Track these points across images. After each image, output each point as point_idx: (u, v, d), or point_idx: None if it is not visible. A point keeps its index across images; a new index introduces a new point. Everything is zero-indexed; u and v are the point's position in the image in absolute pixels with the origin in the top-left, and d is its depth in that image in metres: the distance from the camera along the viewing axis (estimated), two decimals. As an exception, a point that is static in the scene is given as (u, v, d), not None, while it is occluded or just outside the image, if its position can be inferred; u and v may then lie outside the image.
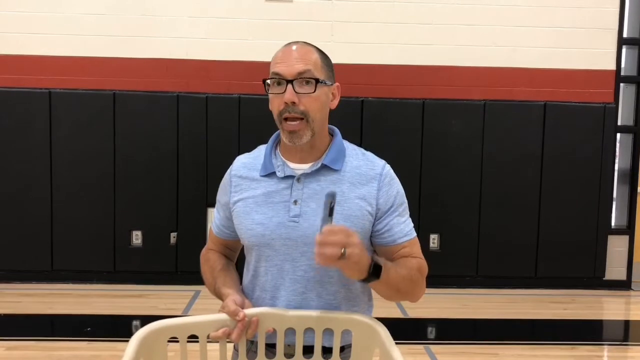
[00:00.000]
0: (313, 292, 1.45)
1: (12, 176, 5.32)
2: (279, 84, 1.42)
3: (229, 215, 1.56)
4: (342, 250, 1.22)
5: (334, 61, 1.54)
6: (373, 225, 1.47)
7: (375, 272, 1.31)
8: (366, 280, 1.31)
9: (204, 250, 1.68)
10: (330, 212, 1.25)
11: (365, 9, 5.44)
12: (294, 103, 1.40)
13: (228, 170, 1.59)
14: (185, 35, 5.39)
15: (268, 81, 1.45)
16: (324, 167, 1.49)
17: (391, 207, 1.48)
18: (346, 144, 1.55)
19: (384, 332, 1.35)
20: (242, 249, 1.65)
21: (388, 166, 1.53)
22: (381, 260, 1.34)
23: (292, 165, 1.50)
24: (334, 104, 1.52)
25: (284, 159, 1.51)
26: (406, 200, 1.53)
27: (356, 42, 5.43)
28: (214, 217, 1.64)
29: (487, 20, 5.49)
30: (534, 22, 5.51)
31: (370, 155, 1.55)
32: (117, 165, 5.37)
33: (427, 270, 1.49)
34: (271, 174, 1.50)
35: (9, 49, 5.33)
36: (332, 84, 1.49)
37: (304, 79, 1.41)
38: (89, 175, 5.36)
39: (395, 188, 1.50)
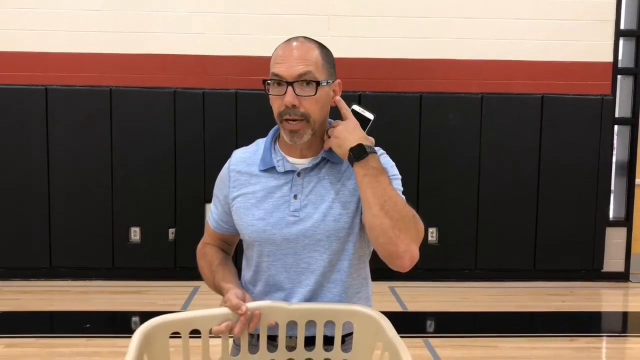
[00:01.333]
0: (316, 284, 1.46)
1: (9, 173, 5.31)
2: (279, 84, 1.41)
3: (227, 210, 1.56)
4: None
5: (331, 56, 1.53)
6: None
7: (358, 151, 1.37)
8: (353, 154, 1.38)
9: (200, 245, 1.67)
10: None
11: (362, 3, 5.42)
12: (294, 106, 1.39)
13: (226, 165, 1.58)
14: (182, 30, 5.37)
15: (268, 81, 1.43)
16: (324, 161, 1.49)
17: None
18: None
19: (386, 324, 1.35)
20: (240, 243, 1.65)
21: (385, 155, 1.52)
22: (375, 159, 1.38)
23: (292, 160, 1.50)
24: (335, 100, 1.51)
25: (283, 154, 1.51)
26: (399, 176, 1.49)
27: (353, 35, 5.42)
28: (211, 211, 1.63)
29: (484, 13, 5.48)
30: (531, 15, 5.50)
31: None
32: (115, 161, 5.36)
33: (422, 227, 1.39)
34: (271, 169, 1.50)
35: (5, 45, 5.31)
36: (333, 82, 1.48)
37: (305, 80, 1.40)
38: (86, 171, 5.35)
39: (385, 162, 1.47)
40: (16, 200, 5.32)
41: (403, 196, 1.41)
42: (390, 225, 1.31)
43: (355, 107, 1.48)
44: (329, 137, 1.44)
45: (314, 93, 1.40)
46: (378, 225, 1.33)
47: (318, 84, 1.40)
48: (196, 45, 5.37)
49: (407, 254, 1.32)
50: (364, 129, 1.44)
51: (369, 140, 1.41)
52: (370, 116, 1.47)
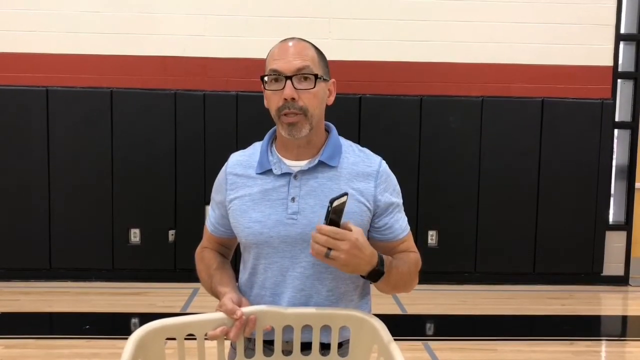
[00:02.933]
0: (312, 288, 1.46)
1: (10, 174, 5.32)
2: (276, 80, 1.42)
3: (224, 213, 1.56)
4: (327, 251, 1.28)
5: (331, 58, 1.54)
6: (372, 222, 1.49)
7: (375, 276, 1.37)
8: (365, 278, 1.39)
9: (198, 249, 1.67)
10: (326, 215, 1.28)
11: (362, 6, 5.43)
12: (293, 99, 1.40)
13: (223, 168, 1.58)
14: (183, 32, 5.38)
15: (265, 78, 1.44)
16: (321, 164, 1.49)
17: (390, 205, 1.50)
18: (342, 140, 1.56)
19: (382, 328, 1.35)
20: (238, 247, 1.65)
21: (384, 162, 1.54)
22: (386, 263, 1.39)
23: (288, 162, 1.50)
24: (331, 100, 1.53)
25: (280, 156, 1.51)
26: (401, 202, 1.56)
27: (354, 38, 5.42)
28: (209, 215, 1.63)
29: (484, 16, 5.49)
30: (532, 19, 5.50)
31: (366, 151, 1.56)
32: (115, 163, 5.36)
33: (421, 263, 1.55)
34: (267, 172, 1.50)
35: (6, 46, 5.31)
36: (328, 80, 1.50)
37: (303, 74, 1.41)
38: (86, 173, 5.35)
39: (392, 185, 1.53)
40: (16, 201, 5.33)
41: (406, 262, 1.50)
42: (399, 291, 1.52)
43: (334, 204, 1.29)
44: (333, 258, 1.30)
45: (312, 86, 1.42)
46: (388, 293, 1.51)
47: (316, 77, 1.42)
48: (197, 47, 5.38)
49: (410, 290, 1.54)
50: (343, 209, 1.32)
51: (374, 254, 1.35)
52: (345, 198, 1.31)
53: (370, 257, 1.34)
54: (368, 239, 1.48)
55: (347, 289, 1.50)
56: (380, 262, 1.37)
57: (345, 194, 1.30)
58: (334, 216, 1.28)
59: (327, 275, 1.46)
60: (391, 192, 1.51)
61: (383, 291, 1.47)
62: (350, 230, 1.30)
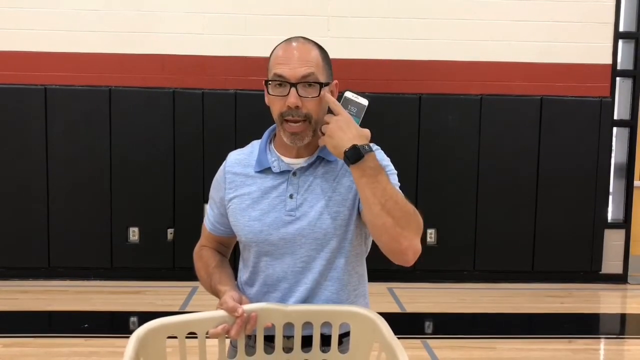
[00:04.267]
0: (313, 282, 1.46)
1: (8, 173, 5.31)
2: (280, 85, 1.42)
3: (223, 212, 1.56)
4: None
5: (330, 56, 1.53)
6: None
7: (352, 153, 1.32)
8: (345, 159, 1.34)
9: (197, 247, 1.67)
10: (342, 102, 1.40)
11: (361, 4, 5.42)
12: (297, 107, 1.40)
13: (221, 167, 1.58)
14: (181, 30, 5.37)
15: (269, 82, 1.43)
16: (319, 159, 1.49)
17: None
18: None
19: (383, 325, 1.35)
20: (236, 245, 1.65)
21: (380, 150, 1.50)
22: (372, 158, 1.33)
23: (287, 160, 1.50)
24: None
25: (278, 154, 1.51)
26: (395, 171, 1.51)
27: (352, 37, 5.42)
28: (208, 214, 1.64)
29: (483, 14, 5.48)
30: (530, 16, 5.50)
31: None
32: (114, 161, 5.35)
33: (421, 220, 1.39)
34: (266, 170, 1.50)
35: (4, 45, 5.30)
36: (331, 82, 1.49)
37: (308, 82, 1.40)
38: (85, 171, 5.34)
39: (385, 160, 1.49)
40: (15, 200, 5.32)
41: (401, 192, 1.40)
42: (392, 223, 1.31)
43: (349, 95, 1.41)
44: (323, 135, 1.38)
45: (317, 94, 1.41)
46: (380, 224, 1.32)
47: (321, 85, 1.41)
48: (196, 45, 5.37)
49: (410, 249, 1.33)
50: (359, 116, 1.40)
51: (364, 136, 1.35)
52: (365, 102, 1.40)
53: (356, 137, 1.33)
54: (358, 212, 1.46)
55: (348, 284, 1.50)
56: (366, 146, 1.33)
57: (367, 100, 1.40)
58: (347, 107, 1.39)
59: (328, 271, 1.47)
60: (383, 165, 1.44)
61: (374, 217, 1.33)
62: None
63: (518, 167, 5.54)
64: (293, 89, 1.39)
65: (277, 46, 1.47)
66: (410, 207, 1.35)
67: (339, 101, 1.40)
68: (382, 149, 1.56)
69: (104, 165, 5.34)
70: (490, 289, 5.43)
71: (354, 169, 1.33)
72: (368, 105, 1.41)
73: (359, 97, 1.40)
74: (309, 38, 1.49)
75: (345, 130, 1.34)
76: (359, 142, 1.33)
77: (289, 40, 1.47)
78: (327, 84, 1.45)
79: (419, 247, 1.35)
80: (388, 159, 1.53)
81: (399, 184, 1.47)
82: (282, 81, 1.41)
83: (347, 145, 1.33)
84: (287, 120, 1.42)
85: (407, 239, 1.32)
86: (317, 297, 1.47)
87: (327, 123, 1.36)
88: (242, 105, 5.31)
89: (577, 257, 5.63)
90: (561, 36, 5.51)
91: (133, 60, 5.35)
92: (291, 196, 1.46)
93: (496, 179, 5.52)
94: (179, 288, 5.10)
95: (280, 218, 1.45)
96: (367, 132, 1.38)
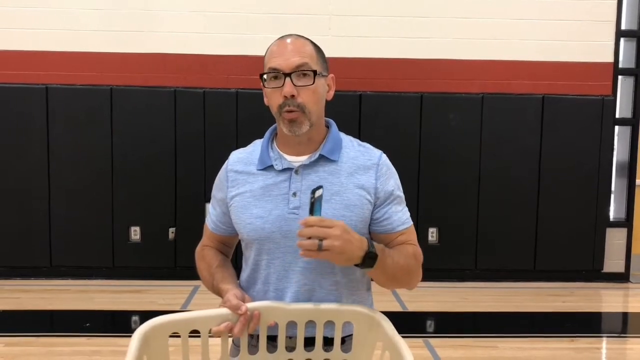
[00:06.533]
0: (315, 282, 1.46)
1: (10, 172, 5.31)
2: (275, 78, 1.44)
3: (225, 211, 1.56)
4: (319, 243, 1.26)
5: (331, 55, 1.55)
6: (372, 214, 1.49)
7: (369, 260, 1.34)
8: (360, 266, 1.36)
9: (199, 247, 1.67)
10: (311, 207, 1.28)
11: (362, 3, 5.42)
12: (293, 96, 1.41)
13: (224, 166, 1.59)
14: (183, 29, 5.37)
15: (265, 76, 1.46)
16: (322, 158, 1.49)
17: (390, 196, 1.50)
18: (342, 135, 1.57)
19: (386, 324, 1.35)
20: (238, 246, 1.65)
21: (384, 155, 1.54)
22: (379, 249, 1.37)
23: (289, 157, 1.50)
24: (330, 95, 1.54)
25: (280, 152, 1.52)
26: (402, 189, 1.55)
27: (354, 35, 5.42)
28: (209, 213, 1.64)
29: (485, 13, 5.48)
30: (532, 15, 5.49)
31: (366, 145, 1.57)
32: (115, 160, 5.35)
33: (423, 258, 1.52)
34: (268, 168, 1.50)
35: (5, 44, 5.30)
36: (327, 75, 1.51)
37: (302, 71, 1.42)
38: (87, 170, 5.34)
39: (392, 177, 1.53)
40: (16, 199, 5.32)
41: (405, 251, 1.49)
42: (399, 284, 1.49)
43: (318, 193, 1.31)
44: (327, 250, 1.28)
45: (312, 82, 1.43)
46: (389, 286, 1.48)
47: (315, 73, 1.43)
48: (197, 44, 5.37)
49: (414, 286, 1.52)
50: (321, 198, 1.31)
51: (360, 240, 1.33)
52: (321, 190, 1.32)
53: (361, 242, 1.34)
54: (369, 232, 1.50)
55: (350, 283, 1.50)
56: (370, 244, 1.35)
57: (321, 186, 1.32)
58: (315, 206, 1.28)
59: (330, 270, 1.46)
60: (391, 185, 1.51)
61: (384, 285, 1.45)
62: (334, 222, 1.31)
63: (519, 165, 5.53)
64: (288, 79, 1.41)
65: (271, 44, 1.50)
66: (413, 262, 1.47)
67: (316, 189, 1.32)
68: (383, 149, 1.57)
69: (106, 164, 5.34)
70: (492, 288, 5.42)
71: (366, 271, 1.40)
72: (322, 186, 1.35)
73: (318, 189, 1.32)
74: (303, 35, 1.51)
75: (351, 240, 1.31)
76: (365, 248, 1.34)
77: (282, 37, 1.49)
78: (322, 75, 1.46)
79: (420, 276, 1.52)
80: (396, 175, 1.55)
81: (407, 210, 1.54)
82: (277, 73, 1.43)
83: (359, 254, 1.33)
84: (285, 111, 1.43)
85: (413, 284, 1.50)
86: (319, 296, 1.46)
87: (323, 239, 1.27)
88: (244, 104, 5.31)
89: (579, 255, 5.63)
90: (563, 35, 5.50)
91: (134, 59, 5.35)
92: (294, 194, 1.46)
93: (498, 177, 5.52)
94: (181, 287, 5.10)
95: (284, 216, 1.45)
96: (359, 235, 1.35)
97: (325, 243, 1.27)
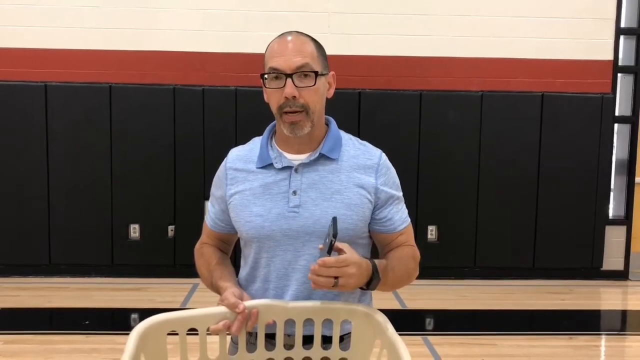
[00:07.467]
0: None
1: (9, 170, 5.30)
2: (276, 78, 1.42)
3: (224, 209, 1.56)
4: (335, 281, 1.29)
5: (330, 52, 1.54)
6: (373, 214, 1.50)
7: (374, 283, 1.39)
8: (364, 289, 1.41)
9: (198, 245, 1.67)
10: (330, 247, 1.29)
11: (361, 0, 5.41)
12: (294, 97, 1.40)
13: (222, 163, 1.58)
14: (182, 27, 5.36)
15: (265, 76, 1.44)
16: (322, 157, 1.49)
17: (391, 197, 1.51)
18: (342, 133, 1.56)
19: (385, 322, 1.35)
20: (237, 243, 1.64)
21: (384, 155, 1.55)
22: (381, 267, 1.41)
23: (289, 156, 1.50)
24: (331, 92, 1.53)
25: (280, 150, 1.51)
26: (401, 194, 1.57)
27: (353, 33, 5.41)
28: (209, 211, 1.63)
29: (484, 11, 5.47)
30: (532, 13, 5.49)
31: (366, 144, 1.57)
32: (114, 158, 5.35)
33: (420, 257, 1.56)
34: (268, 166, 1.50)
35: (4, 41, 5.29)
36: (327, 74, 1.50)
37: (304, 72, 1.41)
38: (86, 168, 5.34)
39: (392, 178, 1.54)
40: (15, 197, 5.32)
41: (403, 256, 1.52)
42: (399, 288, 1.55)
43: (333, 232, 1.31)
44: (343, 285, 1.31)
45: (313, 83, 1.42)
46: (388, 292, 1.57)
47: (317, 74, 1.42)
48: (196, 42, 5.36)
49: (411, 282, 1.56)
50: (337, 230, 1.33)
51: (364, 264, 1.35)
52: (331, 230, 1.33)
53: (367, 270, 1.36)
54: (369, 230, 1.51)
55: None
56: (374, 269, 1.38)
57: (335, 217, 1.34)
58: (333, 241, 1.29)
59: None
60: (391, 185, 1.52)
61: (383, 291, 1.49)
62: (343, 251, 1.32)
63: (519, 163, 5.53)
64: (289, 80, 1.40)
65: (271, 41, 1.48)
66: (411, 266, 1.52)
67: (332, 223, 1.33)
68: (382, 146, 1.56)
69: (105, 162, 5.34)
70: (491, 286, 5.43)
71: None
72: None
73: (334, 226, 1.33)
74: (304, 32, 1.49)
75: (362, 274, 1.35)
76: (370, 274, 1.37)
77: (283, 34, 1.48)
78: (323, 75, 1.46)
79: (417, 273, 1.56)
80: (395, 174, 1.56)
81: (405, 208, 1.56)
82: (278, 73, 1.41)
83: (365, 281, 1.37)
84: (285, 112, 1.43)
85: (410, 282, 1.55)
86: (318, 294, 1.45)
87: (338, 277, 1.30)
88: (243, 102, 5.30)
89: (578, 253, 5.63)
90: (562, 32, 5.50)
91: (133, 57, 5.34)
92: (294, 192, 1.46)
93: (497, 176, 5.51)
94: (180, 285, 5.10)
95: (283, 214, 1.45)
96: (364, 260, 1.37)
97: (340, 282, 1.30)
